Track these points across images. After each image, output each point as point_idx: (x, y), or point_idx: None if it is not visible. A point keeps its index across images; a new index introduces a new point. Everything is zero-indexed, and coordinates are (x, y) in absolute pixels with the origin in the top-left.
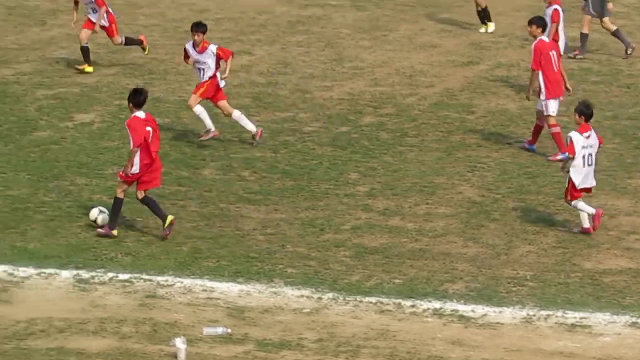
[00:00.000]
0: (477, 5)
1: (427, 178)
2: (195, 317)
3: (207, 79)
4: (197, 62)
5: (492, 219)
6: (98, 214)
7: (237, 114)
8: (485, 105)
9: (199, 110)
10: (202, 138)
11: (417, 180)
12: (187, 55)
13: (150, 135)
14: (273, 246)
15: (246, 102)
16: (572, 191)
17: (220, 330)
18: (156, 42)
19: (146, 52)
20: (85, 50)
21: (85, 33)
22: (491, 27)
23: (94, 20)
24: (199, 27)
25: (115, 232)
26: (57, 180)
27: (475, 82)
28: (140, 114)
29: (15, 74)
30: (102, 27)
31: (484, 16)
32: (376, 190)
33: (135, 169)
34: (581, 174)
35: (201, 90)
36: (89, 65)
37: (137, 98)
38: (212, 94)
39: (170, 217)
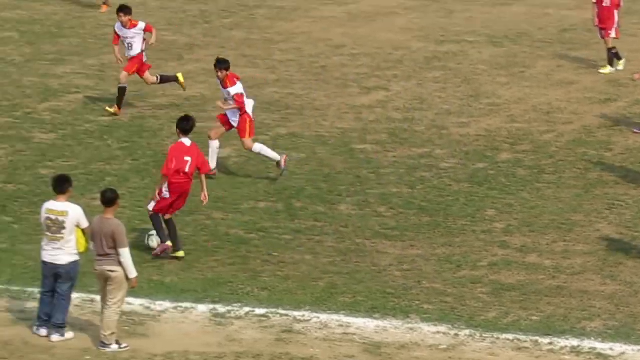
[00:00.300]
0: (606, 43)
1: (565, 215)
2: (331, 353)
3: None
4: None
5: (630, 257)
6: (150, 240)
7: (257, 147)
8: (623, 143)
9: (259, 148)
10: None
11: (554, 217)
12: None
13: (188, 164)
14: (409, 282)
15: (382, 138)
16: None
17: None
18: (292, 78)
19: (183, 88)
20: (121, 91)
21: (125, 75)
22: (621, 65)
23: (133, 54)
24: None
25: (181, 252)
26: (194, 214)
27: (613, 119)
28: (186, 141)
29: (152, 108)
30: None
31: (613, 55)
32: (513, 227)
33: (166, 194)
34: None
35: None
36: (118, 108)
37: (184, 125)
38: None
39: (181, 253)
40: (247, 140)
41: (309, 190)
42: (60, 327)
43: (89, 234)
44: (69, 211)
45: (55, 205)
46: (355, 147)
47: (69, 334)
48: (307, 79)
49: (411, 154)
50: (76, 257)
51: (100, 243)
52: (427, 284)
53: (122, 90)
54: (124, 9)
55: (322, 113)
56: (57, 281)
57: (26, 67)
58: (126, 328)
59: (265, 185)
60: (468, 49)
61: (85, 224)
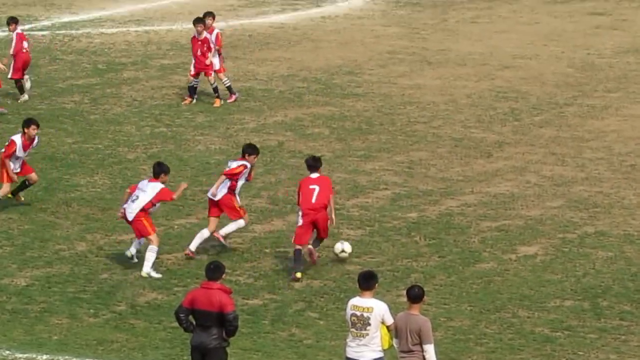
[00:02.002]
0: None
1: None
2: None
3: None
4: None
5: None
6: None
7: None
8: None
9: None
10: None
11: None
12: None
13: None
14: None
15: None
16: None
17: None
18: (601, 176)
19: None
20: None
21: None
22: None
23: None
24: None
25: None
26: (499, 312)
27: None
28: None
29: (459, 206)
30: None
31: None
32: None
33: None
34: None
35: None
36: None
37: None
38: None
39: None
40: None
41: (615, 289)
42: None
43: (394, 331)
44: (375, 307)
45: (361, 302)
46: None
47: None
48: (616, 177)
49: None
50: (380, 354)
51: (405, 339)
52: None
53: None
54: None
55: (630, 212)
56: None
57: (336, 163)
58: None
59: (572, 283)
60: None
61: (390, 320)
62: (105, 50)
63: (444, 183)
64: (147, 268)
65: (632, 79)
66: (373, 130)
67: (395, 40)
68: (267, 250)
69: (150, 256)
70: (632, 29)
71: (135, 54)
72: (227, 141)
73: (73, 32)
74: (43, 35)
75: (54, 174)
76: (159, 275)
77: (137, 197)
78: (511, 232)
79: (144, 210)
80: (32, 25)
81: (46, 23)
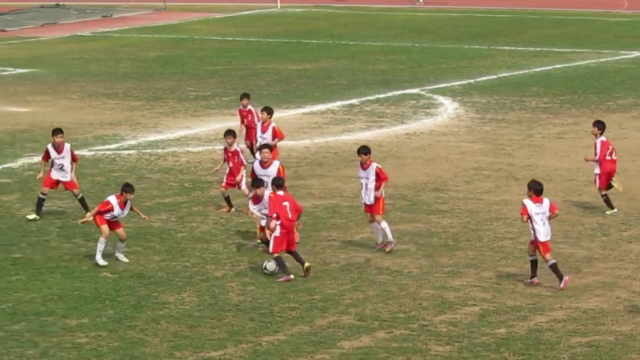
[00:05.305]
0: None
1: None
2: None
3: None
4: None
5: None
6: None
7: None
8: None
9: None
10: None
11: None
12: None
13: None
14: None
15: None
16: None
17: None
18: None
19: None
20: None
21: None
22: None
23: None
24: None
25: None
26: None
27: None
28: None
29: (548, 321)
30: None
31: None
32: None
33: None
34: None
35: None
36: None
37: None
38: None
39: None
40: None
41: None
42: None
43: None
44: None
45: None
46: None
47: None
48: None
49: None
50: None
51: None
52: None
53: None
54: None
55: None
56: None
57: (423, 279)
58: None
59: None
60: None
61: None
62: (192, 168)
63: (533, 299)
64: None
65: None
66: (460, 246)
67: (480, 156)
68: None
69: None
70: None
71: (221, 172)
72: (313, 258)
73: (159, 150)
74: (129, 155)
75: (142, 292)
76: None
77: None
78: (602, 347)
79: None
80: (119, 144)
81: (132, 142)
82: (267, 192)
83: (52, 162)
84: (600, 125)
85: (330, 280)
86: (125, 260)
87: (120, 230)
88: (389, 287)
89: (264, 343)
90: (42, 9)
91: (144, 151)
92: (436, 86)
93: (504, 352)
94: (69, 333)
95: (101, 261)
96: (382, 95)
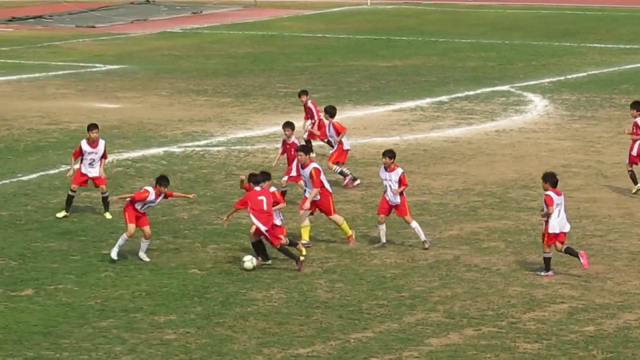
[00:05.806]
0: None
1: None
2: None
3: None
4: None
5: None
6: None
7: None
8: None
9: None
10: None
11: None
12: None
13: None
14: None
15: None
16: None
17: None
18: None
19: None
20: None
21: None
22: None
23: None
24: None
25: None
26: None
27: None
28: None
29: (637, 319)
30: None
31: None
32: None
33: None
34: None
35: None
36: None
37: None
38: None
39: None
40: None
41: None
42: None
43: None
44: None
45: None
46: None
47: None
48: None
49: None
50: None
51: None
52: None
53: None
54: None
55: None
56: None
57: (512, 277)
58: None
59: None
60: None
61: None
62: (281, 165)
63: (621, 296)
64: None
65: None
66: None
67: (570, 153)
68: None
69: None
70: None
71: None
72: (402, 255)
73: (248, 147)
74: (218, 151)
75: (231, 289)
76: None
77: None
78: None
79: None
80: (208, 141)
81: (221, 139)
82: (306, 193)
83: (82, 159)
84: (638, 107)
85: (418, 278)
86: (147, 259)
87: (147, 228)
88: (478, 284)
89: (352, 340)
90: (132, 6)
91: (233, 148)
92: (526, 83)
93: (592, 350)
94: (157, 330)
95: (115, 256)
96: (471, 92)
